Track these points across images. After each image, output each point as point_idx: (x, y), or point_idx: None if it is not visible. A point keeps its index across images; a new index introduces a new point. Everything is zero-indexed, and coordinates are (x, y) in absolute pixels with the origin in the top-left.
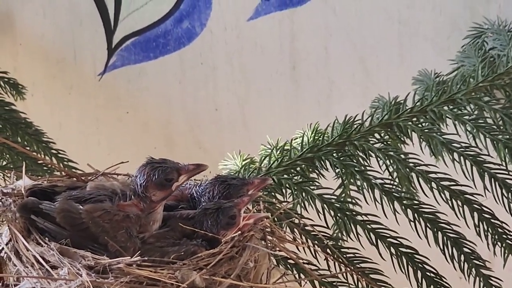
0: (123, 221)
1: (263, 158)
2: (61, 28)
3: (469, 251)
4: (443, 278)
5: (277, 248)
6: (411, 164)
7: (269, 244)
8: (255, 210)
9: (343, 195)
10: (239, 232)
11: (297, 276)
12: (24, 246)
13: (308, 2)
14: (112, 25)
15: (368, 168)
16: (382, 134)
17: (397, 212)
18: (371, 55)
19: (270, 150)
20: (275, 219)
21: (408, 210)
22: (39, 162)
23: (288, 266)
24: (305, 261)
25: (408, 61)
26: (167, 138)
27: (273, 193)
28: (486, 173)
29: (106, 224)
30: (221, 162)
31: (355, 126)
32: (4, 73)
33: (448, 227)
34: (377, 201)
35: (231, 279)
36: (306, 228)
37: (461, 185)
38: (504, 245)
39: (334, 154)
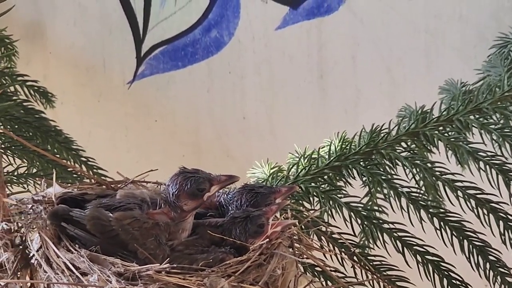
0: (152, 229)
1: (290, 166)
2: (91, 37)
3: (494, 259)
4: (468, 286)
5: (304, 256)
6: (437, 173)
7: (296, 252)
8: (282, 218)
9: (370, 203)
10: (267, 240)
11: (324, 283)
12: (54, 253)
13: (336, 12)
14: (141, 34)
15: (394, 176)
16: (409, 143)
17: (423, 220)
18: (398, 65)
19: (297, 159)
20: (303, 227)
21: (434, 218)
22: (69, 169)
23: (316, 273)
24: (332, 269)
25: (435, 71)
26: (195, 146)
27: (300, 201)
28: (511, 181)
29: (135, 231)
30: (249, 170)
31: (382, 135)
32: (35, 81)
33: (474, 235)
34: (404, 209)
35: (259, 286)
36: (333, 236)
37: (487, 194)
38: None
39: (361, 163)
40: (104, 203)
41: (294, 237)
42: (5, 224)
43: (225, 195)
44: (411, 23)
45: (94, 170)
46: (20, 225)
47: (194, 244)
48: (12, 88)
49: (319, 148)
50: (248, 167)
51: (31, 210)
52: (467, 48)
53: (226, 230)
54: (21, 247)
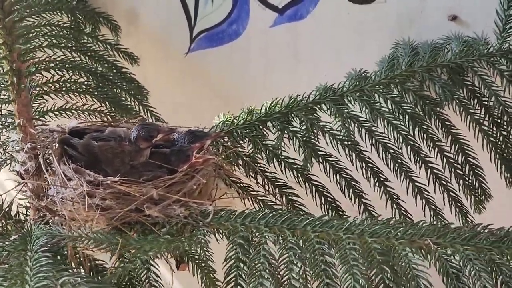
0: (120, 153)
1: (236, 118)
2: (166, 23)
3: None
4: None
5: (224, 175)
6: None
7: (217, 173)
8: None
9: (277, 143)
10: (192, 166)
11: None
12: (56, 165)
13: (305, 19)
14: (193, 23)
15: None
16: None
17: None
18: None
19: (242, 113)
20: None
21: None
22: (133, 112)
23: (240, 192)
24: (244, 184)
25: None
26: (219, 97)
27: (236, 141)
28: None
29: (109, 154)
30: (216, 118)
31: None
32: (126, 48)
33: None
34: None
35: (177, 195)
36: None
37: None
38: None
39: (280, 119)
40: (94, 135)
41: (219, 164)
42: (30, 143)
43: (177, 134)
44: None
45: (153, 113)
46: (40, 145)
47: (147, 165)
48: (111, 52)
49: (261, 106)
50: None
51: (48, 137)
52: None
53: (167, 157)
54: (39, 159)
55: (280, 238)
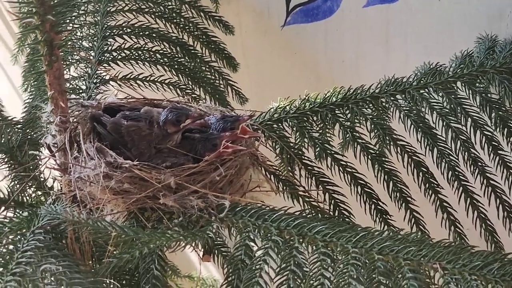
0: (147, 136)
1: (289, 105)
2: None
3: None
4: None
5: (259, 166)
6: None
7: (253, 164)
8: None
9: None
10: (218, 155)
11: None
12: (81, 142)
13: (396, 2)
14: None
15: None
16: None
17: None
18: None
19: (295, 102)
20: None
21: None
22: (220, 88)
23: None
24: (285, 177)
25: None
26: (310, 74)
27: (283, 131)
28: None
29: (135, 136)
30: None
31: (352, 91)
32: (214, 13)
33: None
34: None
35: (195, 186)
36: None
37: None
38: None
39: (336, 111)
40: (126, 114)
41: (254, 155)
42: (61, 117)
43: (213, 119)
44: None
45: (234, 88)
46: (70, 120)
47: (173, 151)
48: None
49: (316, 96)
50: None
51: (80, 111)
52: None
53: (194, 144)
54: (67, 134)
55: (286, 244)
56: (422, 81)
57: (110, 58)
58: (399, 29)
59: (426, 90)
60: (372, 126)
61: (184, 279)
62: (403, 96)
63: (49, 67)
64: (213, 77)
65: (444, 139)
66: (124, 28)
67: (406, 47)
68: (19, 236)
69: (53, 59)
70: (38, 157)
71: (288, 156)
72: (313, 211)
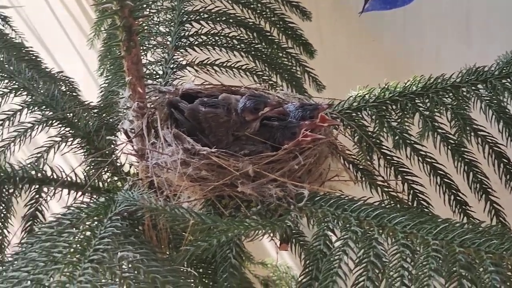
0: (225, 123)
1: (368, 93)
2: None
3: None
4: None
5: (339, 156)
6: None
7: (332, 153)
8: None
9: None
10: (296, 144)
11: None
12: (159, 128)
13: None
14: None
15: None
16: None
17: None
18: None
19: (374, 90)
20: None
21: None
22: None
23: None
24: (364, 166)
25: None
26: (387, 62)
27: (362, 121)
28: None
29: (212, 123)
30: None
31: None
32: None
33: None
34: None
35: (274, 175)
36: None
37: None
38: None
39: (416, 100)
40: (204, 101)
41: (333, 144)
42: (138, 103)
43: (292, 106)
44: None
45: (311, 74)
46: (148, 106)
47: (251, 138)
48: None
49: (396, 85)
50: None
51: (158, 97)
52: None
53: (273, 132)
54: (145, 120)
55: (365, 235)
56: (504, 71)
57: (187, 44)
58: (479, 16)
59: (508, 80)
60: (453, 115)
61: (257, 265)
62: (484, 85)
63: (127, 53)
64: (290, 64)
65: None
66: (201, 14)
67: (487, 34)
68: (96, 222)
69: (131, 45)
70: (114, 143)
71: (367, 145)
72: (392, 201)
